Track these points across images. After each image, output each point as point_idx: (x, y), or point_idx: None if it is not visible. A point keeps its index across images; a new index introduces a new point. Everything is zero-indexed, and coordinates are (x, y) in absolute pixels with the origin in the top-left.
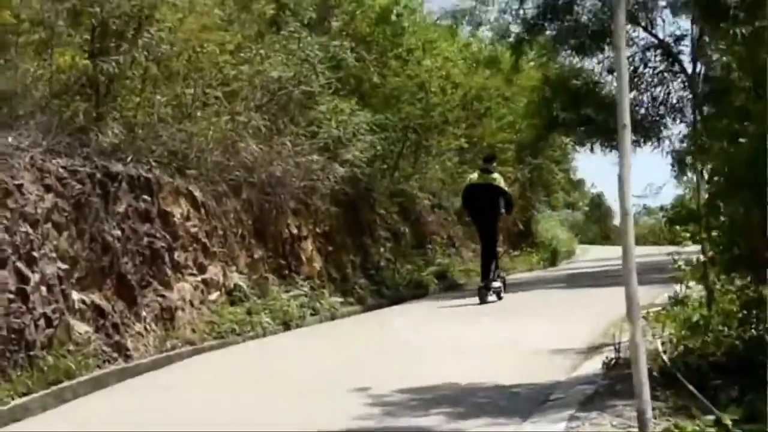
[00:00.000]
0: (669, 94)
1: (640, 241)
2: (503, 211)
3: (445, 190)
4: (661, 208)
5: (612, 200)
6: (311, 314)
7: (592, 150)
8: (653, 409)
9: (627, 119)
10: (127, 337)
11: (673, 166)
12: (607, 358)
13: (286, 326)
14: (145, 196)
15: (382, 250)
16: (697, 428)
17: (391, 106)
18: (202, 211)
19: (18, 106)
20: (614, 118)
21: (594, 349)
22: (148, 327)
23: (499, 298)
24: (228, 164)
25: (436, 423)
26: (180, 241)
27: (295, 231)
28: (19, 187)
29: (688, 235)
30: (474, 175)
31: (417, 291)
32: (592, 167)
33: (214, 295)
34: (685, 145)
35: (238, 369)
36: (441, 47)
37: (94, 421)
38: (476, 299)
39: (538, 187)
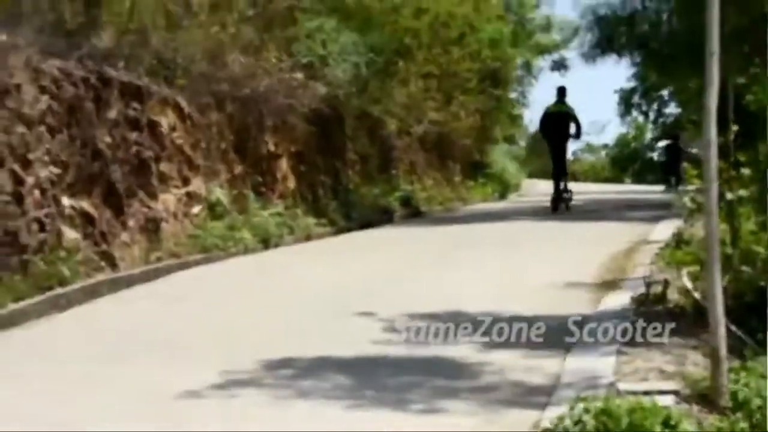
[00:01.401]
0: None
1: (581, 178)
2: (573, 134)
3: (410, 115)
4: (605, 146)
5: None
6: (288, 233)
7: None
8: (697, 348)
9: (716, 46)
10: (114, 247)
11: (618, 104)
12: (635, 293)
13: (265, 244)
14: (135, 104)
15: (350, 173)
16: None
17: (372, 27)
18: (188, 122)
19: (12, 5)
20: None
21: (608, 284)
22: (134, 237)
23: (567, 208)
24: (214, 76)
25: (468, 353)
26: (166, 152)
27: (272, 149)
28: (18, 87)
29: (695, 173)
30: (550, 105)
31: (383, 216)
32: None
33: (196, 209)
34: (632, 83)
35: (232, 283)
36: None
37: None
38: (441, 228)
39: (498, 118)
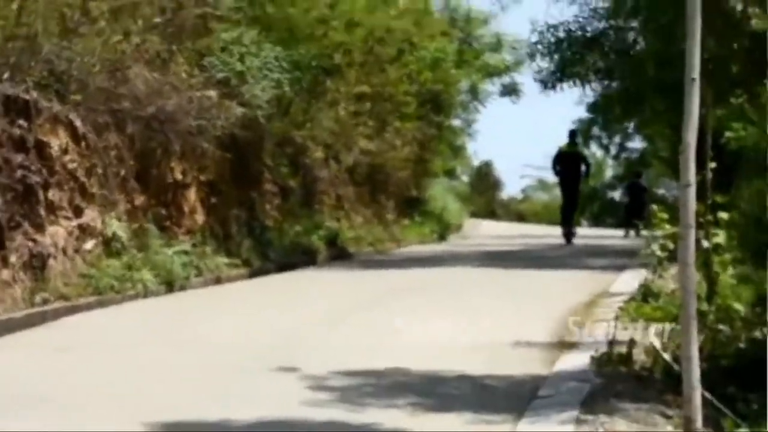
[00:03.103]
0: None
1: (532, 220)
2: (583, 174)
3: (338, 142)
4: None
5: (502, 171)
6: (195, 275)
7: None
8: (668, 416)
9: (696, 72)
10: None
11: (573, 134)
12: (596, 351)
13: (169, 286)
14: (21, 122)
15: (268, 206)
16: None
17: (298, 41)
18: (83, 144)
19: None
20: None
21: (564, 343)
22: (15, 276)
23: (570, 242)
24: (114, 92)
25: (401, 417)
26: (56, 178)
27: (179, 177)
28: None
29: (666, 216)
30: (563, 145)
31: (305, 257)
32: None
33: (89, 244)
34: (586, 112)
35: (129, 331)
36: None
37: None
38: (355, 274)
39: (438, 149)
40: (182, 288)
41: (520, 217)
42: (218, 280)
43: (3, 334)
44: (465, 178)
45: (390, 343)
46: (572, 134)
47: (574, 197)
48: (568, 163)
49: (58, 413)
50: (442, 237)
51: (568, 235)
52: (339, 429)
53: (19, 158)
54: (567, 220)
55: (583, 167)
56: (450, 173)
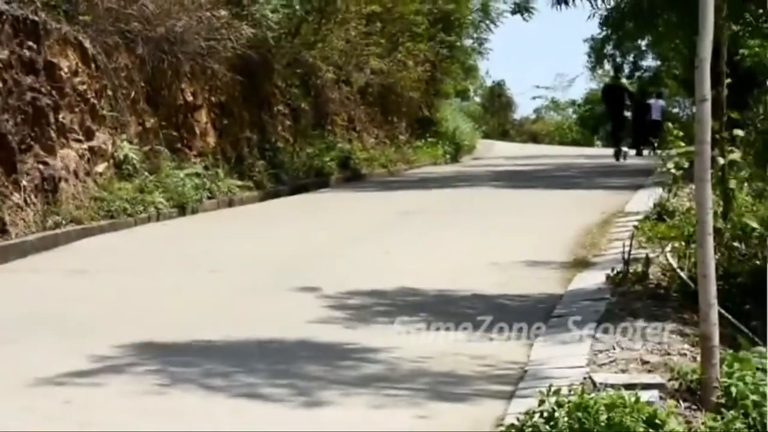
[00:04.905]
0: None
1: (544, 140)
2: (627, 104)
3: (349, 63)
4: (573, 103)
5: (514, 91)
6: (207, 198)
7: None
8: (685, 334)
9: None
10: (5, 210)
11: (589, 55)
12: (612, 270)
13: (181, 209)
14: (31, 43)
15: (280, 128)
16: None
17: None
18: (92, 65)
19: None
20: None
21: (580, 261)
22: (27, 199)
23: (625, 158)
24: (123, 12)
25: (416, 337)
26: (67, 100)
27: (189, 98)
28: None
29: (680, 134)
30: (608, 80)
31: (317, 179)
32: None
33: (101, 167)
34: (598, 27)
35: (141, 254)
36: None
37: None
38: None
39: (450, 69)
40: (194, 211)
41: (533, 138)
42: (230, 203)
43: (17, 257)
44: (477, 99)
45: (403, 263)
46: (616, 69)
47: (621, 122)
48: (614, 94)
49: (71, 334)
50: (454, 158)
51: (619, 153)
52: (352, 346)
53: (28, 80)
54: (617, 142)
55: (626, 96)
56: (462, 94)
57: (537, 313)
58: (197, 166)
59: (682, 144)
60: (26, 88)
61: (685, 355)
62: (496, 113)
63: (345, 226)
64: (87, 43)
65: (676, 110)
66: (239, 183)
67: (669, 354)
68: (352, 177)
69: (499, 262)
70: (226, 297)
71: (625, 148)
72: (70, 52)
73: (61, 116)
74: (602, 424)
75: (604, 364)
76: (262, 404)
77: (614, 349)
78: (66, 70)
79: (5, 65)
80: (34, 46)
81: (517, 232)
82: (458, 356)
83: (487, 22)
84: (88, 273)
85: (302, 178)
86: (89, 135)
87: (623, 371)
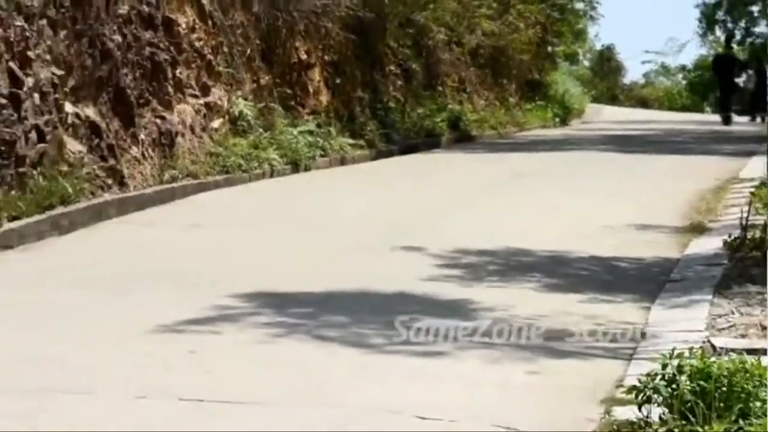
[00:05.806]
0: None
1: (654, 105)
2: (736, 73)
3: (460, 24)
4: (683, 69)
5: (624, 56)
6: (320, 155)
7: None
8: None
9: None
10: (123, 163)
11: (700, 21)
12: (729, 235)
13: (295, 166)
14: None
15: (391, 88)
16: None
17: None
18: (209, 22)
19: None
20: None
21: (695, 226)
22: (145, 152)
23: (731, 122)
24: None
25: (529, 296)
26: (184, 56)
27: (303, 57)
28: None
29: None
30: (719, 50)
31: (428, 139)
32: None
33: (216, 123)
34: None
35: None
36: None
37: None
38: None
39: (561, 32)
40: (307, 168)
41: (642, 103)
42: (342, 161)
43: (135, 210)
44: (586, 63)
45: (514, 224)
46: (728, 39)
47: (730, 88)
48: (724, 62)
49: (188, 285)
50: (564, 121)
51: (727, 118)
52: (465, 303)
53: (147, 35)
54: (725, 107)
55: (736, 65)
56: (571, 57)
57: (653, 277)
58: (310, 123)
59: None
60: (145, 43)
61: None
62: (605, 77)
63: (456, 187)
64: (204, 0)
65: None
66: (351, 141)
67: None
68: (462, 138)
69: (612, 225)
70: (340, 253)
71: (732, 114)
72: (187, 8)
73: (178, 71)
74: (723, 389)
75: (723, 329)
76: (376, 355)
77: (733, 314)
78: (184, 26)
79: (125, 20)
80: (153, 2)
81: (629, 196)
82: (572, 315)
83: None
84: (204, 227)
85: (413, 138)
86: (205, 91)
87: (743, 336)
